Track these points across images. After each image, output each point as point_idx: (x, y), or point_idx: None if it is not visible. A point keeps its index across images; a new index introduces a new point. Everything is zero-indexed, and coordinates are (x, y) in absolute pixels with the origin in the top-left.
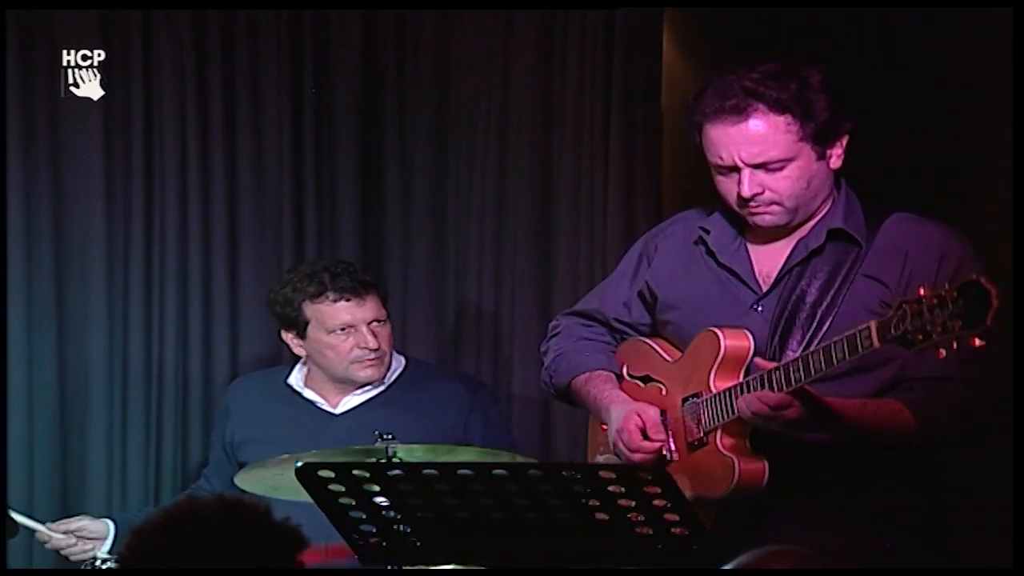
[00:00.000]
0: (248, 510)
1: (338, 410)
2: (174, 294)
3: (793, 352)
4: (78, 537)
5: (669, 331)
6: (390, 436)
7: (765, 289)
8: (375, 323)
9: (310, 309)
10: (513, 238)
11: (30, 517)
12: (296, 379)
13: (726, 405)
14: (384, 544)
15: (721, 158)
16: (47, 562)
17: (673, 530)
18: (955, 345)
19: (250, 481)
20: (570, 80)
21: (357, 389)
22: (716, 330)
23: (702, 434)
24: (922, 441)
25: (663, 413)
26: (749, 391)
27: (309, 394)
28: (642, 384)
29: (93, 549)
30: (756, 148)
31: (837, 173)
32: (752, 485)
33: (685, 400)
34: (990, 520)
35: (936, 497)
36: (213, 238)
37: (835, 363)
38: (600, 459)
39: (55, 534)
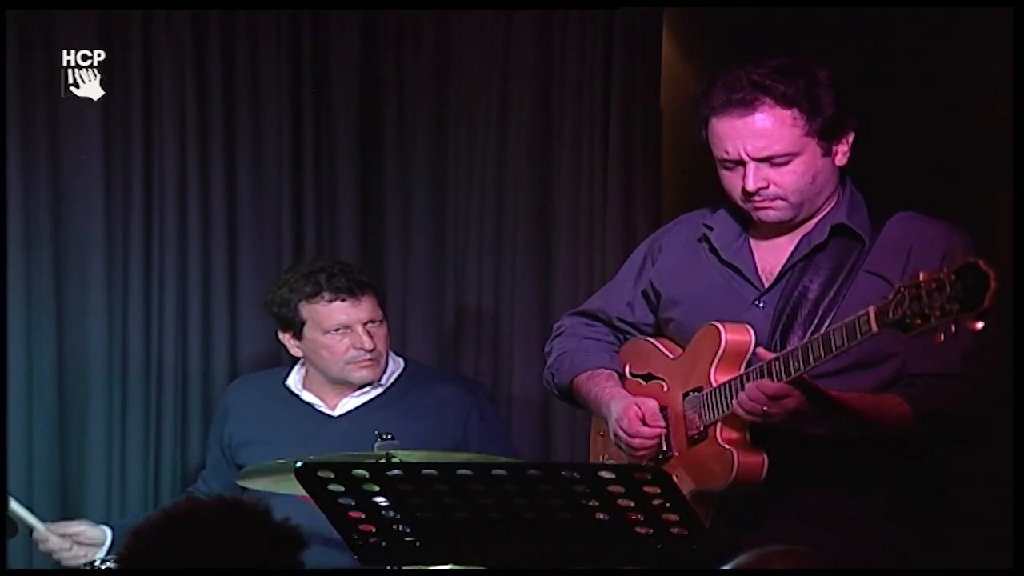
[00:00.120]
0: (248, 510)
1: (336, 412)
2: (173, 293)
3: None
4: (75, 542)
5: (671, 329)
6: (390, 436)
7: (767, 285)
8: (371, 324)
9: (306, 309)
10: (513, 238)
11: (30, 511)
12: (294, 381)
13: (726, 398)
14: (384, 544)
15: (727, 152)
16: (47, 562)
17: (672, 530)
18: (953, 328)
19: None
20: (570, 80)
21: (355, 391)
22: (717, 324)
23: (702, 427)
24: (922, 436)
25: (663, 409)
26: (749, 382)
27: (307, 396)
28: (643, 382)
29: (87, 556)
30: (762, 141)
31: (842, 171)
32: (751, 478)
33: (686, 395)
34: (990, 519)
35: (936, 496)
36: (212, 237)
37: (834, 350)
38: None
39: (52, 536)
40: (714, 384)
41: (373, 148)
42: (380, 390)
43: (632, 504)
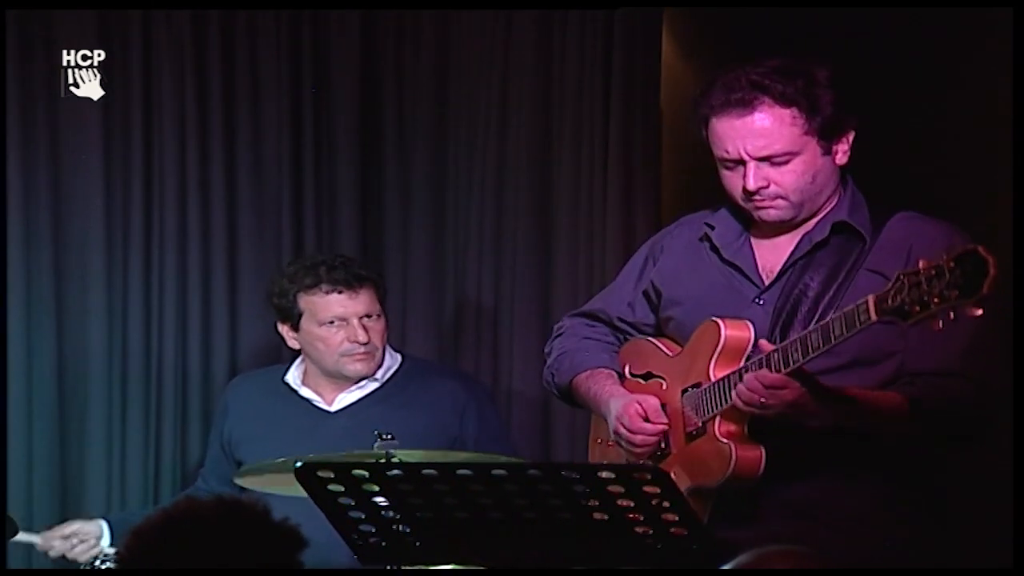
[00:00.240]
0: (247, 510)
1: (333, 408)
2: (173, 293)
3: None
4: (77, 540)
5: (671, 328)
6: (389, 436)
7: (768, 283)
8: (367, 318)
9: (304, 300)
10: (513, 238)
11: (28, 531)
12: (293, 376)
13: (725, 392)
14: (383, 544)
15: (727, 151)
16: (47, 562)
17: (672, 530)
18: (952, 315)
19: (248, 483)
20: (570, 80)
21: (352, 386)
22: (717, 320)
23: (700, 423)
24: (921, 433)
25: (662, 406)
26: (748, 374)
27: (305, 392)
28: (643, 381)
29: (96, 545)
30: (761, 141)
31: (843, 170)
32: (749, 472)
33: (684, 391)
34: (990, 519)
35: (935, 495)
36: (212, 237)
37: (833, 340)
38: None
39: (54, 541)
40: (713, 379)
41: (373, 148)
42: (377, 385)
43: (632, 504)
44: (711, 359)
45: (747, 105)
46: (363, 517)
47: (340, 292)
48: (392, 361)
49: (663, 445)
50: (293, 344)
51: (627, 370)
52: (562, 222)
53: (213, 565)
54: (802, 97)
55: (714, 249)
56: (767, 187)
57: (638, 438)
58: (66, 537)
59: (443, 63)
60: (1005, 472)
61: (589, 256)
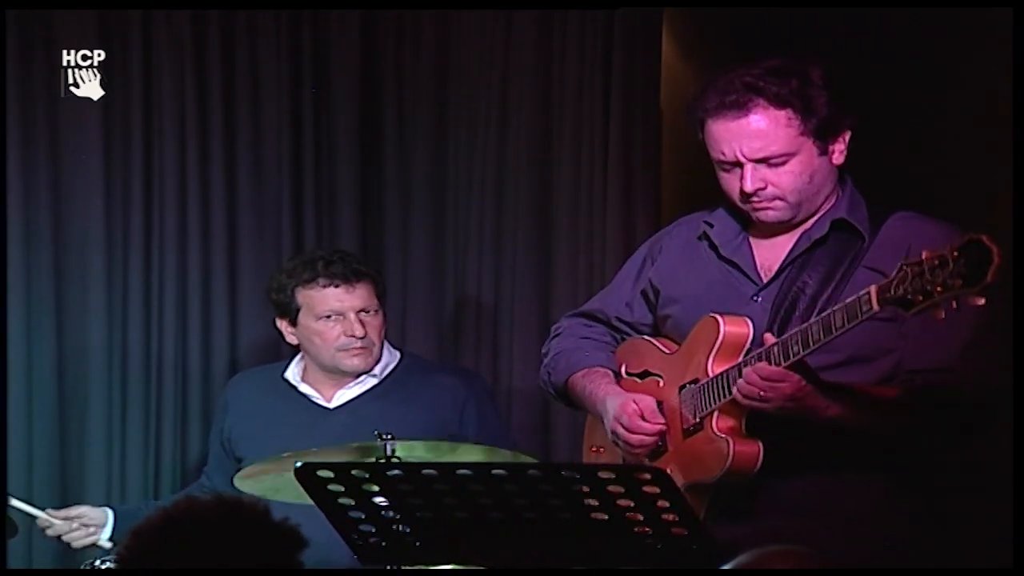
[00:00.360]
0: (247, 510)
1: (332, 404)
2: (173, 292)
3: None
4: (79, 524)
5: (669, 326)
6: (389, 436)
7: (766, 281)
8: (364, 312)
9: (301, 295)
10: (513, 238)
11: (30, 504)
12: (293, 373)
13: (723, 387)
14: (383, 544)
15: (723, 154)
16: (47, 562)
17: (672, 530)
18: (955, 305)
19: (247, 483)
20: (570, 80)
21: (351, 382)
22: (716, 316)
23: (698, 419)
24: (919, 430)
25: (658, 404)
26: (747, 367)
27: (304, 388)
28: (639, 379)
29: (94, 534)
30: (757, 143)
31: (841, 170)
32: (745, 467)
33: (682, 388)
34: (990, 519)
35: (935, 493)
36: (212, 236)
37: (834, 332)
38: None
39: (55, 520)
40: (711, 375)
41: (373, 148)
42: (376, 381)
43: (632, 504)
44: (710, 354)
45: (742, 107)
46: (363, 517)
47: (337, 286)
48: (391, 357)
49: (660, 443)
50: (291, 340)
51: (623, 369)
52: (562, 222)
53: (213, 565)
54: (797, 98)
55: (712, 247)
56: (765, 188)
57: (636, 438)
58: (69, 519)
59: (443, 63)
60: (1005, 472)
61: (589, 256)
